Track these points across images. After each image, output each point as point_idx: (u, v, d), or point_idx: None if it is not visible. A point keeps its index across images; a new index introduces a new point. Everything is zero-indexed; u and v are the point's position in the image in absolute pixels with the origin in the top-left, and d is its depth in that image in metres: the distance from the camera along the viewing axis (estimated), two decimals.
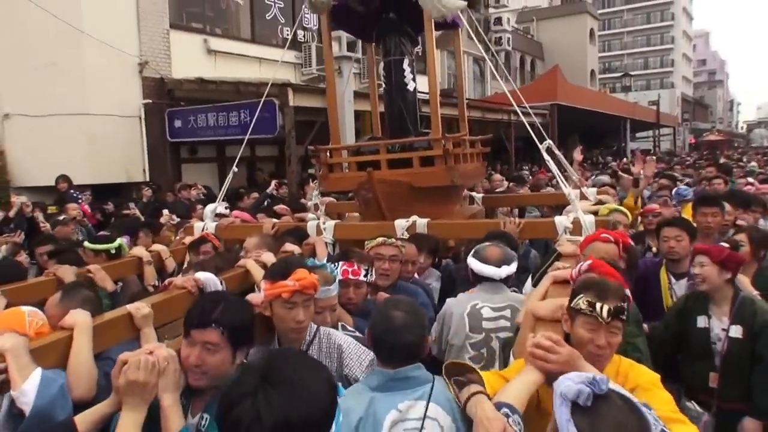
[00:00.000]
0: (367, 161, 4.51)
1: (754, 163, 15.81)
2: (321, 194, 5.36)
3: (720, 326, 3.15)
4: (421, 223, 4.05)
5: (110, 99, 10.21)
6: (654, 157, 11.02)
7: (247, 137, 5.69)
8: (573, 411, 1.27)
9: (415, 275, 3.61)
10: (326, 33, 4.88)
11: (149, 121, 10.71)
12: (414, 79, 4.77)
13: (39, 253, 4.72)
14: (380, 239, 3.29)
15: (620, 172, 9.04)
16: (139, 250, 4.15)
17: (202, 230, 4.58)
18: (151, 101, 10.66)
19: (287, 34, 13.11)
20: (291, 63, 13.15)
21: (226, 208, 5.77)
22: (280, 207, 5.96)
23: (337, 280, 2.58)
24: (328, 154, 4.76)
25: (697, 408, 3.12)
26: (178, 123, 10.73)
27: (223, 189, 5.34)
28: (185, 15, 11.75)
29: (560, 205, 4.98)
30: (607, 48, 66.33)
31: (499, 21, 25.90)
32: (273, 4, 13.43)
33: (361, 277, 2.88)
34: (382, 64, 4.92)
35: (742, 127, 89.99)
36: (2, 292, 2.84)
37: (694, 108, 65.52)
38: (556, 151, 5.48)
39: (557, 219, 3.85)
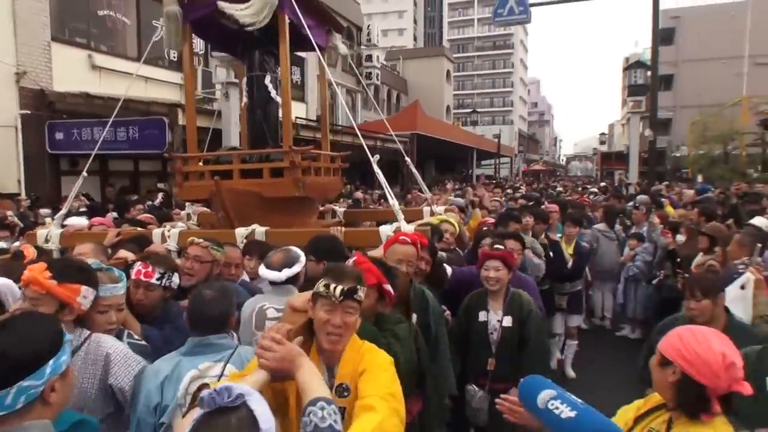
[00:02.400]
0: (220, 170, 4.31)
1: (560, 188, 17.79)
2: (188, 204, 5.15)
3: (496, 318, 3.33)
4: (260, 231, 3.89)
5: None
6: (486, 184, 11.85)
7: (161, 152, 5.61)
8: (200, 416, 1.23)
9: (245, 278, 3.53)
10: (187, 44, 4.57)
11: (26, 132, 9.81)
12: (277, 95, 4.57)
13: None
14: (190, 238, 3.14)
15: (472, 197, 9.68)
16: None
17: (46, 238, 4.26)
18: (29, 112, 9.77)
19: (174, 56, 12.69)
20: (177, 84, 12.73)
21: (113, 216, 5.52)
22: (144, 216, 5.66)
23: (123, 281, 2.38)
24: (182, 162, 4.49)
25: (476, 388, 3.31)
26: (59, 135, 9.92)
27: (70, 197, 4.87)
28: (68, 29, 10.93)
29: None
30: (461, 87, 71.26)
31: (369, 58, 26.84)
32: (160, 26, 12.89)
33: (154, 280, 2.64)
34: (245, 79, 4.74)
35: (562, 160, 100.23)
36: None
37: (527, 142, 72.18)
38: (414, 171, 5.85)
39: (381, 228, 3.80)
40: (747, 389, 1.55)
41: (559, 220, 6.43)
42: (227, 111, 9.81)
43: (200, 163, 4.57)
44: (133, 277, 2.60)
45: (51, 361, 1.37)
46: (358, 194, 9.99)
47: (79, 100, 9.89)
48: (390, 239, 3.06)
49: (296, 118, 13.44)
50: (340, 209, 5.78)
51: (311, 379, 1.56)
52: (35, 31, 10.04)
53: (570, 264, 5.59)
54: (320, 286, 1.81)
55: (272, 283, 2.78)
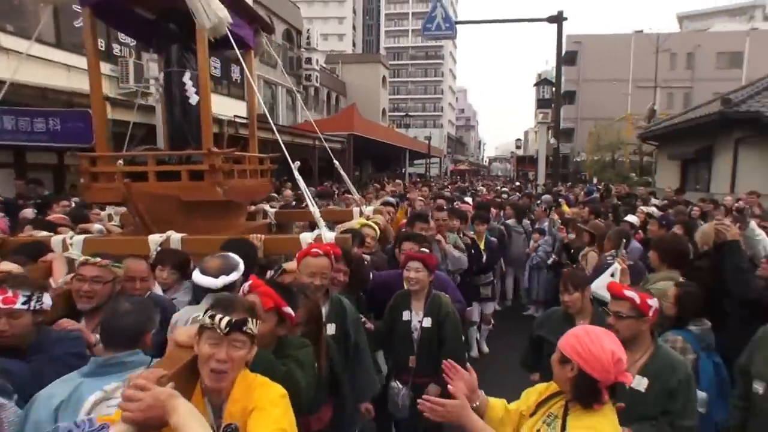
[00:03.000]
0: (133, 172, 3.74)
1: (482, 187, 18.09)
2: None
3: (417, 319, 3.27)
4: (176, 238, 3.40)
5: None
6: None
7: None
8: None
9: (159, 291, 3.01)
10: (88, 31, 3.95)
11: None
12: (197, 93, 3.98)
13: None
14: (83, 258, 2.59)
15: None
16: None
17: None
18: None
19: (101, 46, 11.50)
20: (106, 75, 11.57)
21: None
22: (56, 216, 4.82)
23: None
24: (90, 162, 3.90)
25: (399, 385, 3.27)
26: None
27: None
28: None
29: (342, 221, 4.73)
30: (396, 92, 71.33)
31: (309, 61, 26.11)
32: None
33: (18, 306, 2.08)
34: (161, 75, 4.17)
35: (485, 161, 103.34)
36: None
37: (455, 144, 73.73)
38: (342, 173, 5.52)
39: (302, 236, 3.53)
40: (629, 379, 1.68)
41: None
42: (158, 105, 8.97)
43: (120, 163, 3.91)
44: None
45: None
46: (287, 193, 9.09)
47: None
48: (302, 252, 2.77)
49: (235, 116, 12.67)
50: (271, 210, 5.25)
51: (188, 423, 1.29)
52: None
53: (484, 258, 5.75)
54: (206, 318, 1.59)
55: (207, 290, 2.42)
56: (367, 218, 4.62)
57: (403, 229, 4.79)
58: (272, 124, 4.26)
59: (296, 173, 3.82)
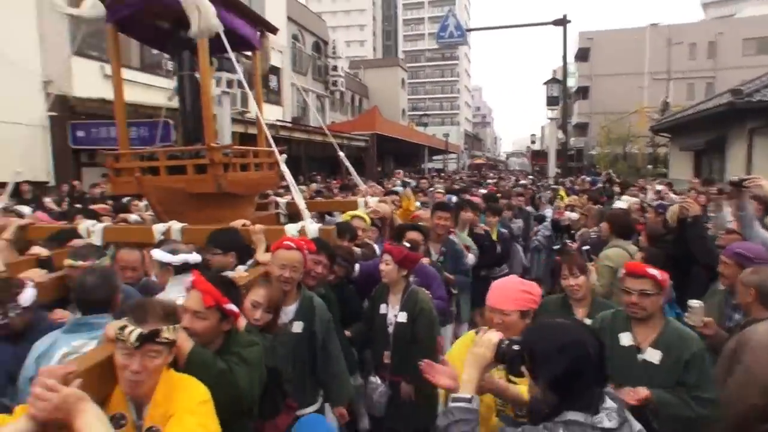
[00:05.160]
0: (147, 167, 4.01)
1: (490, 180, 18.46)
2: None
3: (393, 313, 3.08)
4: (176, 228, 3.48)
5: (15, 109, 9.89)
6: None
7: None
8: None
9: (154, 279, 2.98)
10: (112, 45, 4.22)
11: (54, 131, 10.56)
12: (201, 93, 4.05)
13: None
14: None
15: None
16: None
17: None
18: (56, 114, 10.48)
19: (170, 66, 13.44)
20: (169, 89, 13.43)
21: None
22: (99, 206, 5.34)
23: None
24: (114, 158, 4.14)
25: (378, 381, 3.10)
26: (80, 133, 10.70)
27: (8, 188, 4.73)
28: (85, 44, 11.57)
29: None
30: (414, 92, 72.13)
31: (335, 68, 27.75)
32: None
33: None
34: (176, 78, 4.31)
35: (503, 156, 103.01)
36: None
37: (472, 140, 74.03)
38: (348, 165, 5.62)
39: (287, 227, 3.43)
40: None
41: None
42: (220, 118, 10.71)
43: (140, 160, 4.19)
44: None
45: None
46: (312, 186, 9.63)
47: (96, 104, 10.62)
48: (276, 243, 2.70)
49: (277, 120, 14.46)
50: (283, 200, 5.16)
51: (93, 427, 1.25)
52: (58, 46, 10.69)
53: (498, 249, 5.43)
54: (116, 328, 1.49)
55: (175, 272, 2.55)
56: (369, 208, 4.48)
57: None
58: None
59: (283, 166, 3.82)
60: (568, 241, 6.09)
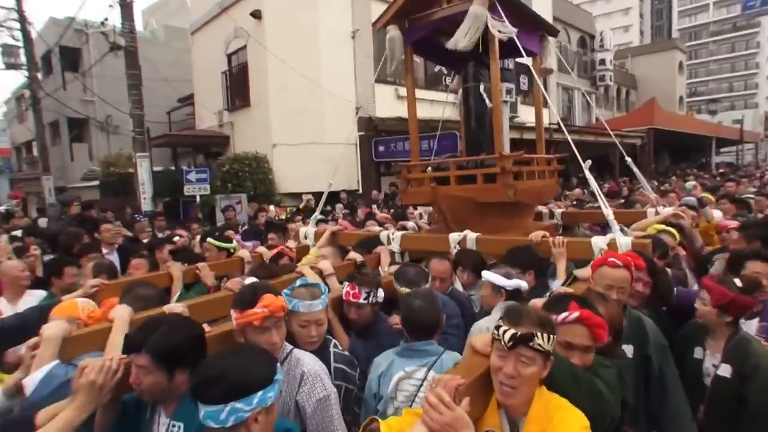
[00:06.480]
0: (438, 177, 4.05)
1: None
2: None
3: (712, 362, 2.43)
4: (471, 237, 3.48)
5: (337, 132, 12.10)
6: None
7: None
8: None
9: (459, 287, 3.14)
10: (408, 66, 4.38)
11: (361, 147, 12.50)
12: (490, 102, 4.09)
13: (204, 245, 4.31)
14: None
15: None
16: (243, 252, 3.81)
17: (305, 236, 4.33)
18: (363, 133, 12.41)
19: (449, 81, 14.39)
20: (450, 102, 14.37)
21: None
22: (381, 215, 5.90)
23: (323, 296, 2.16)
24: (407, 170, 4.30)
25: None
26: (381, 148, 12.39)
27: (322, 199, 4.96)
28: (383, 71, 13.37)
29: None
30: (693, 75, 60.73)
31: (603, 62, 25.33)
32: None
33: (362, 300, 2.47)
34: (461, 91, 4.40)
35: None
36: (118, 285, 2.77)
37: None
38: (635, 169, 4.72)
39: (594, 240, 3.10)
40: None
41: None
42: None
43: (428, 170, 4.25)
44: (344, 297, 2.51)
45: (260, 393, 1.36)
46: (576, 192, 8.64)
47: (393, 122, 12.12)
48: (597, 260, 2.43)
49: (550, 123, 13.92)
50: (558, 210, 4.91)
51: None
52: (365, 76, 12.63)
53: None
54: (494, 328, 1.50)
55: (500, 290, 2.52)
56: (665, 222, 3.77)
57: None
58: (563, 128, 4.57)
59: (587, 173, 3.50)
60: None
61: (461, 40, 3.61)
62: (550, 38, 4.69)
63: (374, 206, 8.88)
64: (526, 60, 4.05)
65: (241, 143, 13.15)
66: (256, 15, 12.10)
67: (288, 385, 1.87)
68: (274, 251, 3.72)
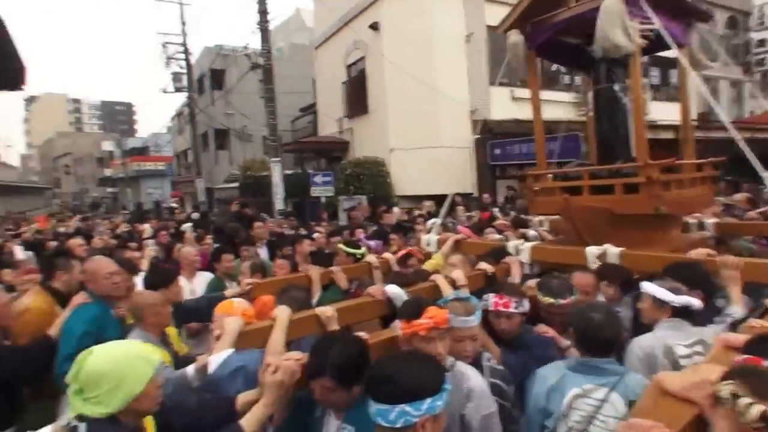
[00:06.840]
0: (569, 187, 3.74)
1: None
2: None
3: None
4: (613, 252, 3.12)
5: (452, 136, 12.17)
6: None
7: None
8: None
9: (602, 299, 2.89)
10: (531, 70, 4.21)
11: (477, 150, 12.41)
12: (626, 104, 3.77)
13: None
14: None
15: None
16: (370, 257, 3.83)
17: (427, 243, 4.27)
18: (478, 136, 12.31)
19: (567, 80, 13.64)
20: (568, 102, 13.57)
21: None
22: (500, 223, 5.64)
23: (477, 312, 2.12)
24: (533, 179, 4.05)
25: None
26: (497, 151, 12.18)
27: (444, 205, 4.88)
28: (498, 75, 13.10)
29: None
30: None
31: (762, 43, 21.71)
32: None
33: (512, 309, 2.43)
34: (590, 93, 4.09)
35: None
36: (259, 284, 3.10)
37: None
38: None
39: None
40: None
41: None
42: (630, 130, 9.99)
43: (552, 178, 4.05)
44: (491, 308, 2.46)
45: (428, 400, 1.36)
46: (739, 197, 6.50)
47: (510, 124, 11.82)
48: None
49: (695, 120, 12.47)
50: (709, 221, 4.27)
51: None
52: (480, 80, 12.52)
53: None
54: (726, 391, 1.20)
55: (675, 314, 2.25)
56: None
57: None
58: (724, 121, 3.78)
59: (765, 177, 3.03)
60: None
61: (606, 42, 3.28)
62: (701, 25, 4.16)
63: (495, 210, 8.72)
64: (674, 52, 3.63)
65: (360, 148, 13.86)
66: (375, 27, 12.68)
67: (455, 398, 1.83)
68: (401, 253, 3.85)
